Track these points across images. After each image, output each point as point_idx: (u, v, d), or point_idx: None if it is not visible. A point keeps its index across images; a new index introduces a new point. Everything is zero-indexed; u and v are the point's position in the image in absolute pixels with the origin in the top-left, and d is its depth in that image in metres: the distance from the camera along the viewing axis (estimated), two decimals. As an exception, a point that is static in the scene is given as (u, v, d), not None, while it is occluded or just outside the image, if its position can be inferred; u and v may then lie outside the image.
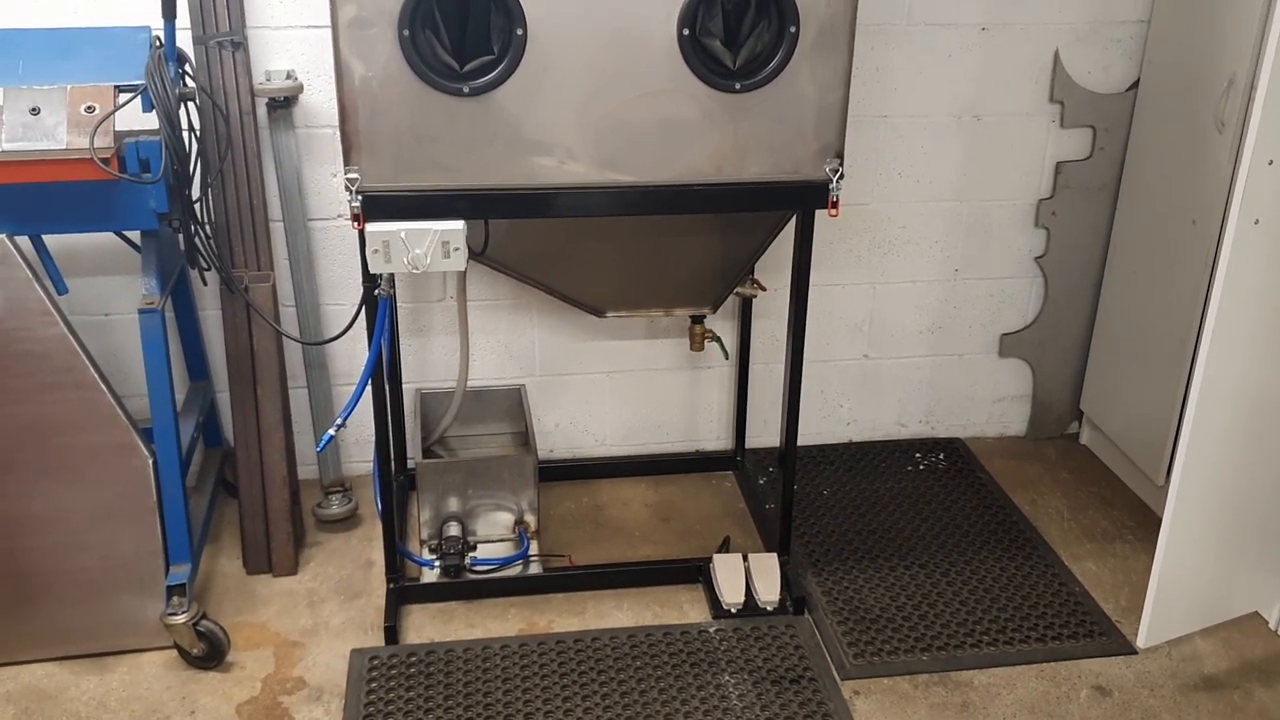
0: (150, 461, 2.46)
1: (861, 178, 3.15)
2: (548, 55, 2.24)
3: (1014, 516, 3.15)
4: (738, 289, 3.05)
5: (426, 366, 3.17)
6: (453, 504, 2.82)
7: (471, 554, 2.81)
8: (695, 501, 3.22)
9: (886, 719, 2.46)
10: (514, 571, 2.82)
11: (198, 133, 2.63)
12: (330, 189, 2.94)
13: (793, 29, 2.27)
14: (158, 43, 2.40)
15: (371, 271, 2.38)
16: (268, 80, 2.77)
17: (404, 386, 3.06)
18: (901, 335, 3.40)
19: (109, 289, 2.93)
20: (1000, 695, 2.53)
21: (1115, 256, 3.25)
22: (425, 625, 2.70)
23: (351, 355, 3.09)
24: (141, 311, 2.40)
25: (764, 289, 3.06)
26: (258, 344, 2.80)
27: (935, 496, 3.24)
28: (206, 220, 2.64)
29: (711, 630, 2.67)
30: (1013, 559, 2.96)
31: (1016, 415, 3.56)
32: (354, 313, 2.61)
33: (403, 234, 2.31)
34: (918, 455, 3.44)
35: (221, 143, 2.71)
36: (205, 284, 2.92)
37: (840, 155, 2.40)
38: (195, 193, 2.59)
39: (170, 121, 2.31)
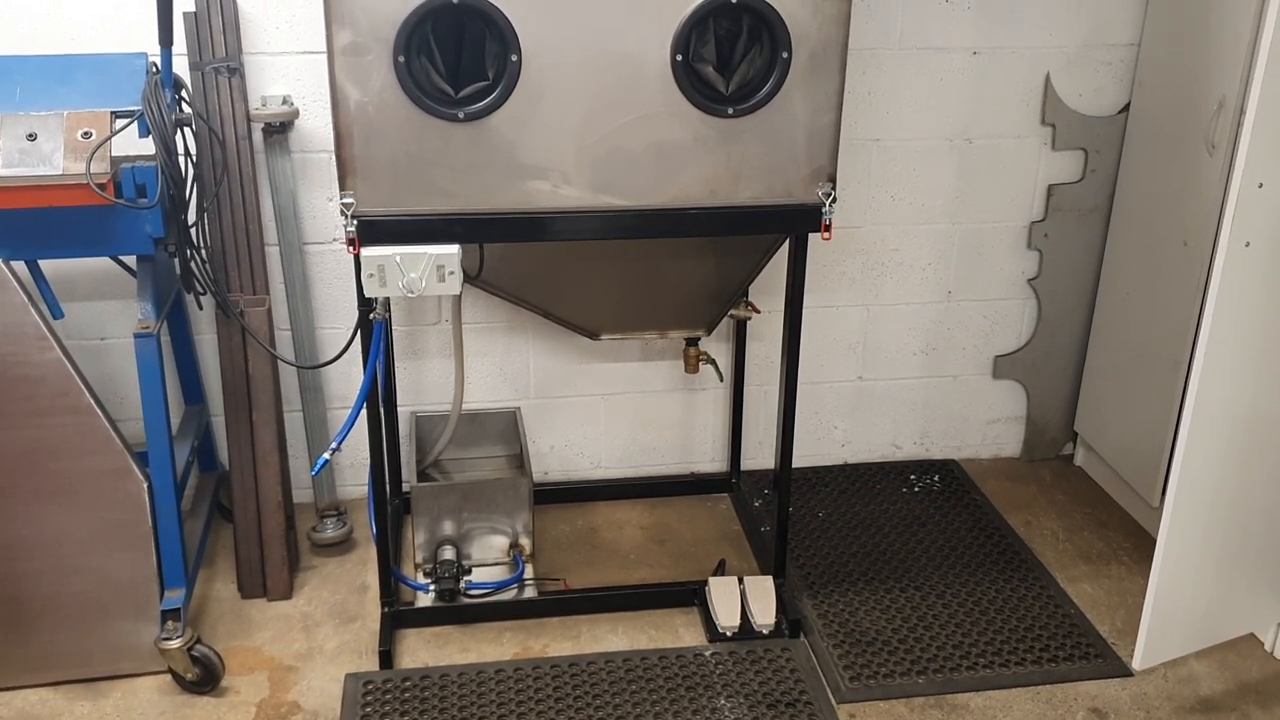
0: (145, 486, 2.46)
1: (854, 200, 3.17)
2: (542, 81, 2.26)
3: (1009, 538, 3.15)
4: (732, 311, 3.06)
5: (421, 389, 3.18)
6: (447, 527, 2.82)
7: (466, 578, 2.80)
8: (690, 524, 3.22)
9: (882, 742, 2.47)
10: (509, 595, 2.81)
11: (194, 158, 2.65)
12: (326, 213, 2.95)
13: (785, 54, 2.29)
14: (154, 69, 2.41)
15: (367, 295, 2.38)
16: (264, 105, 2.78)
17: (399, 410, 3.06)
18: (895, 357, 3.41)
19: (105, 313, 2.94)
20: (996, 718, 2.52)
21: (1108, 278, 3.27)
22: (420, 649, 2.70)
23: (347, 379, 3.09)
24: (137, 336, 2.41)
25: (758, 311, 3.07)
26: (253, 368, 2.81)
27: (930, 518, 3.24)
28: (202, 245, 2.65)
29: (707, 654, 2.67)
30: (1008, 581, 2.96)
31: (1011, 437, 3.56)
32: (349, 336, 2.62)
33: (398, 258, 2.32)
34: (912, 477, 3.45)
35: (217, 168, 2.73)
36: (201, 308, 2.92)
37: (833, 179, 2.42)
38: (191, 217, 2.59)
39: (166, 147, 2.32)
